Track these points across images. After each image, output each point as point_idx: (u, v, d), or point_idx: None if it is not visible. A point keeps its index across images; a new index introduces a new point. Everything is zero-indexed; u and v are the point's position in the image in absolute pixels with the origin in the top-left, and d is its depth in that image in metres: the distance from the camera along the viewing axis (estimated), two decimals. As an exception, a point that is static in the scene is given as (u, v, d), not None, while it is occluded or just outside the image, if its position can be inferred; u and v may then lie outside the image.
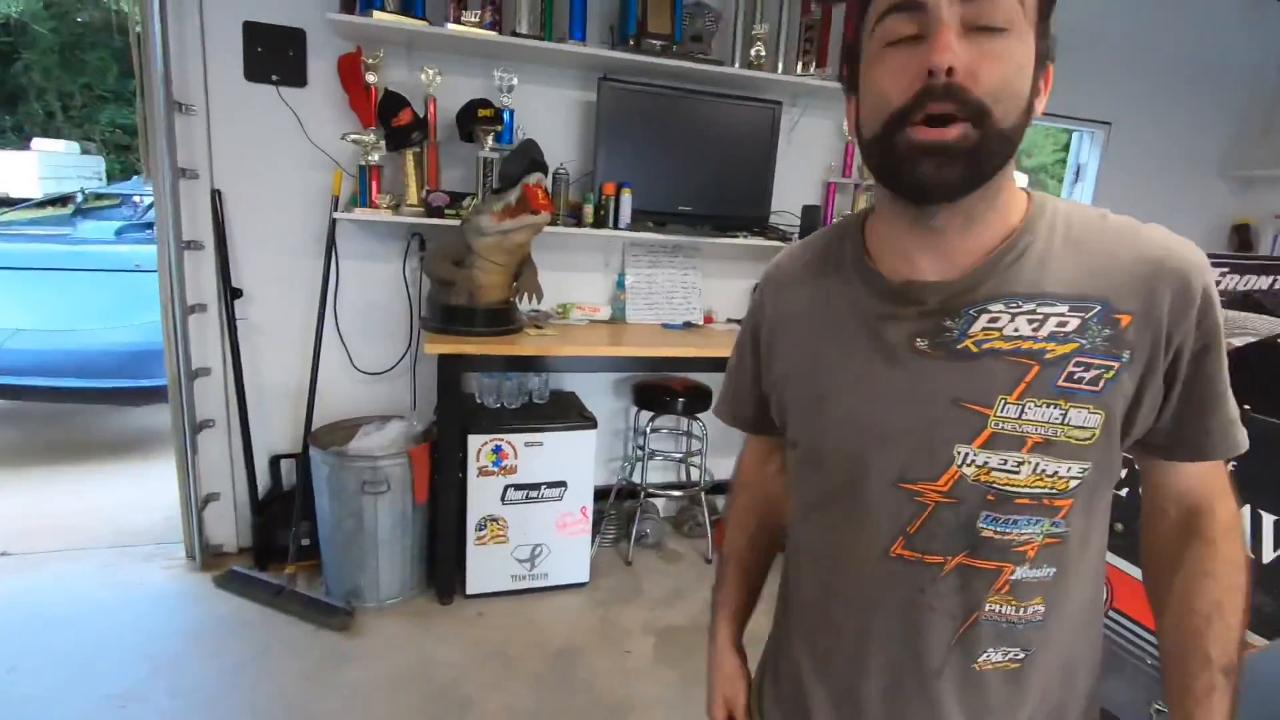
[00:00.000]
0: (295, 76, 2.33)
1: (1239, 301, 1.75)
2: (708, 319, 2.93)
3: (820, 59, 2.74)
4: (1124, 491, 1.43)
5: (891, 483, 0.63)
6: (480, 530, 2.39)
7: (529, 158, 2.18)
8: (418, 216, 2.36)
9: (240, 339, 2.43)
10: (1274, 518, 1.27)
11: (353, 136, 2.27)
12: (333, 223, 2.40)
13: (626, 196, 2.56)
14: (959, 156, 0.54)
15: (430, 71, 2.33)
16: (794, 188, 2.91)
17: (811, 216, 2.80)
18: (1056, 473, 0.59)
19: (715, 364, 2.50)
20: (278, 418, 2.57)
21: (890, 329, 0.64)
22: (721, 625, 0.90)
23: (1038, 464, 0.59)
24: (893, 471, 0.63)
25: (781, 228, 2.87)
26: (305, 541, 2.42)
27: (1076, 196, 3.53)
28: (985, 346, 0.60)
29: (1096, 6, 3.13)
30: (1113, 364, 0.58)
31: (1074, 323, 0.58)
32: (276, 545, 2.47)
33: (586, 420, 2.49)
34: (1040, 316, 0.59)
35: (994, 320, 0.60)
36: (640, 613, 2.45)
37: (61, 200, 5.72)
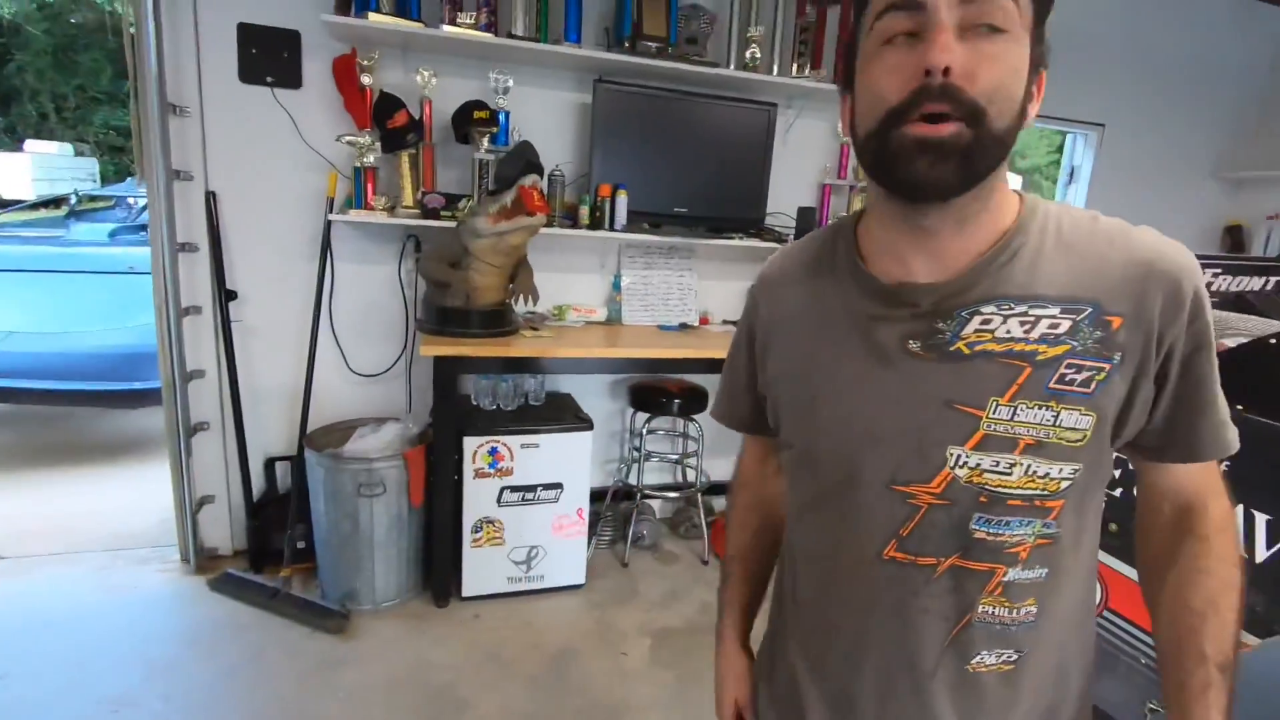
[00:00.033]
0: (290, 78, 2.32)
1: (1231, 302, 1.76)
2: (703, 320, 2.93)
3: (815, 61, 2.74)
4: (1118, 491, 1.43)
5: (884, 484, 0.63)
6: (476, 532, 2.38)
7: (524, 159, 2.18)
8: (413, 218, 2.36)
9: (235, 341, 2.43)
10: (1266, 517, 1.28)
11: (348, 138, 2.26)
12: (328, 225, 2.40)
13: (622, 198, 2.57)
14: (953, 154, 0.54)
15: (425, 73, 2.33)
16: (789, 189, 2.91)
17: (807, 218, 2.81)
18: (1048, 474, 0.60)
19: (711, 365, 2.50)
20: (273, 420, 2.57)
21: (882, 330, 0.64)
22: (730, 625, 0.90)
23: (1029, 465, 0.59)
24: (885, 473, 0.63)
25: (777, 229, 2.88)
26: (300, 544, 2.42)
27: (1071, 198, 3.55)
28: (977, 348, 0.60)
29: (1090, 9, 3.14)
30: (1104, 366, 0.58)
31: (1065, 325, 0.59)
32: (271, 548, 2.46)
33: (582, 422, 2.49)
34: (1032, 318, 0.59)
35: (986, 322, 0.60)
36: (636, 614, 2.45)
37: (55, 202, 5.69)
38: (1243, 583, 0.64)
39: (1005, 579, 0.62)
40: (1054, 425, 0.59)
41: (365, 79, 2.28)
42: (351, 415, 2.56)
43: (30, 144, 9.76)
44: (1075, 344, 0.58)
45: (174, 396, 2.37)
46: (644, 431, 2.80)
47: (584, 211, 2.57)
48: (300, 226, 2.44)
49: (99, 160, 11.11)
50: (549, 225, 2.43)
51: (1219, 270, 1.81)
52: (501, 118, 2.43)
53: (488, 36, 2.29)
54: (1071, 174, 3.56)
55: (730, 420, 0.86)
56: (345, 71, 2.31)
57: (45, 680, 1.93)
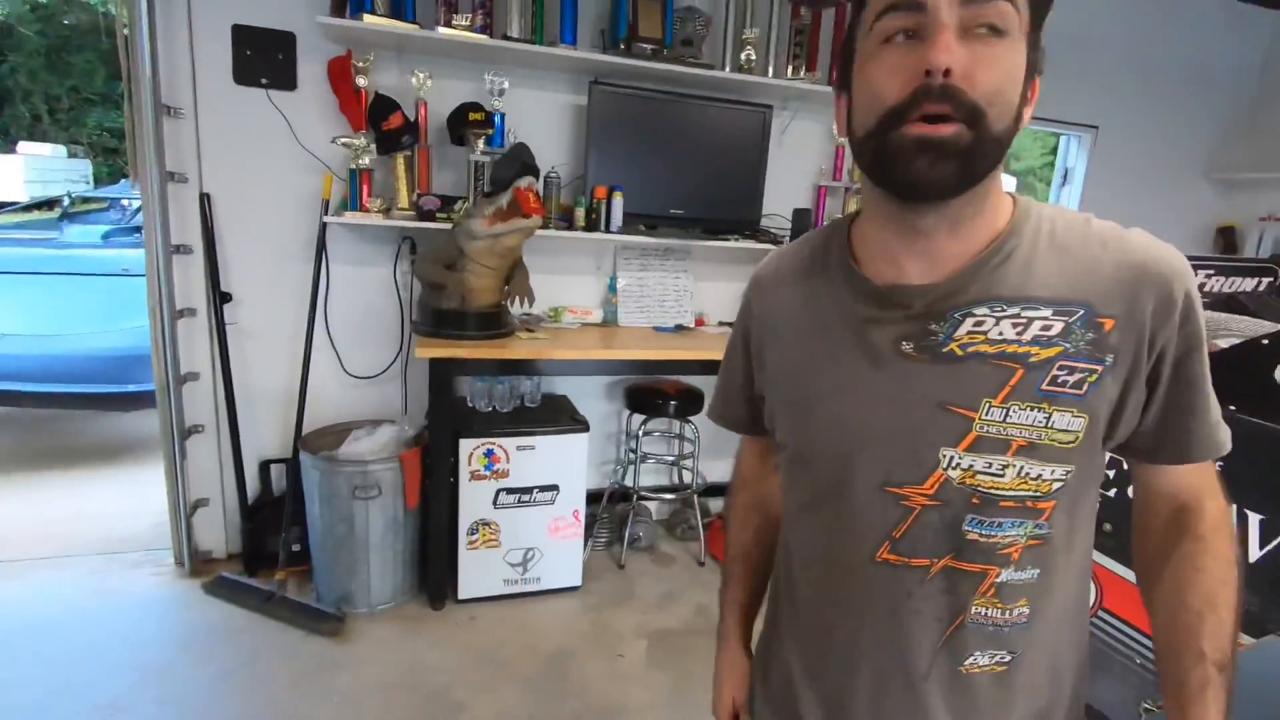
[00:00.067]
0: (285, 80, 2.32)
1: (1224, 303, 1.77)
2: (699, 322, 2.94)
3: (810, 63, 2.75)
4: (1113, 492, 1.44)
5: (878, 486, 0.63)
6: (472, 534, 2.38)
7: (520, 161, 2.18)
8: (409, 220, 2.36)
9: (229, 343, 2.42)
10: (1260, 517, 1.28)
11: (343, 140, 2.26)
12: (323, 226, 2.39)
13: (618, 200, 2.57)
14: (953, 155, 0.54)
15: (421, 75, 2.32)
16: (785, 191, 2.92)
17: (802, 220, 2.82)
18: (1040, 476, 0.60)
19: (707, 367, 2.50)
20: (267, 422, 2.56)
21: (876, 332, 0.64)
22: (733, 625, 0.90)
23: (1022, 467, 0.60)
24: (879, 475, 0.63)
25: (772, 231, 2.89)
26: (296, 547, 2.41)
27: (1064, 199, 3.56)
28: (970, 350, 0.60)
29: (1084, 12, 3.16)
30: (1096, 368, 0.59)
31: (1058, 326, 0.59)
32: (266, 551, 2.45)
33: (578, 423, 2.49)
34: (1024, 320, 0.59)
35: (979, 324, 0.60)
36: (632, 616, 2.45)
37: (48, 204, 5.68)
38: (1240, 581, 0.65)
39: (998, 580, 0.62)
40: (1046, 427, 0.59)
41: (360, 81, 2.28)
42: (347, 417, 2.56)
43: (23, 146, 9.72)
44: (1068, 346, 0.59)
45: (168, 399, 2.36)
46: (640, 433, 2.80)
47: (579, 213, 2.57)
48: (295, 229, 2.43)
49: (92, 162, 11.07)
50: (544, 227, 2.42)
51: (1212, 271, 1.82)
52: (497, 119, 2.42)
53: (483, 38, 2.29)
54: (1065, 176, 3.58)
55: (727, 421, 0.86)
56: (340, 73, 2.30)
57: (38, 685, 1.92)
